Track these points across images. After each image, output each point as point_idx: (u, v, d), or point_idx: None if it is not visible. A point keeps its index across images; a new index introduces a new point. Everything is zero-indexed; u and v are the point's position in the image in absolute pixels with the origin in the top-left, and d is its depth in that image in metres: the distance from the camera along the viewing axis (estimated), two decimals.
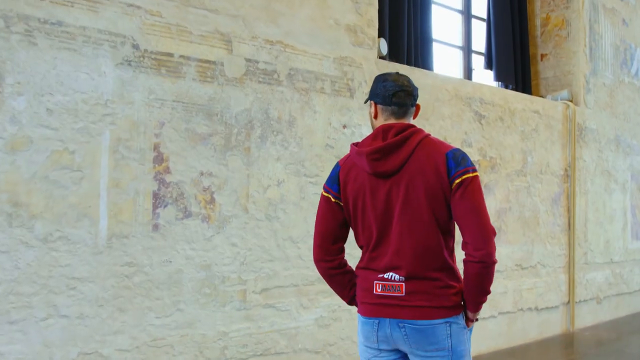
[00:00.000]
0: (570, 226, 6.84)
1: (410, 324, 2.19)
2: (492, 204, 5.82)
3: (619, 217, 7.75)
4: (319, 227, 2.38)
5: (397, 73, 2.40)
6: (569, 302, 6.80)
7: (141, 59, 3.64)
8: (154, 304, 3.64)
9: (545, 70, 7.43)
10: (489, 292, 2.28)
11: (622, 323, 7.54)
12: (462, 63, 6.63)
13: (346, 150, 4.58)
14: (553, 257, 6.61)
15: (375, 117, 2.37)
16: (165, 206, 3.70)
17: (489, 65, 6.84)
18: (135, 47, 3.61)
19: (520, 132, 6.21)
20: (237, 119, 4.02)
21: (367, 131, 4.74)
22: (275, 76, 4.23)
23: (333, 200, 2.33)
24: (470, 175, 2.18)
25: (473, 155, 5.65)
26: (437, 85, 5.37)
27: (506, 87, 6.79)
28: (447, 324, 2.20)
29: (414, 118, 2.44)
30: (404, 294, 2.20)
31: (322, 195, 2.37)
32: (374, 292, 2.24)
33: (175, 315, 3.72)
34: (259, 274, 4.11)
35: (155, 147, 3.68)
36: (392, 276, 2.21)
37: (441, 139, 5.45)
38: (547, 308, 6.50)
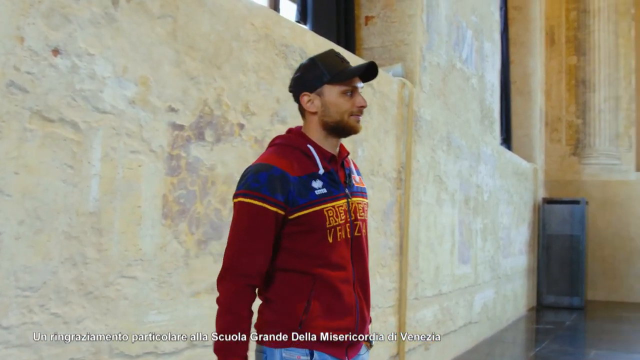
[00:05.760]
0: (402, 249, 5.11)
1: None
2: None
3: (447, 237, 6.24)
4: None
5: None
6: (397, 354, 5.05)
7: None
8: None
9: (370, 37, 5.67)
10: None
11: None
12: (268, 6, 4.61)
13: (57, 100, 2.29)
14: (383, 293, 4.81)
15: None
16: None
17: (302, 17, 4.91)
18: None
19: None
20: None
21: (105, 68, 2.50)
22: None
23: None
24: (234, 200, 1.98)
25: None
26: (238, 13, 3.26)
27: None
28: None
29: (304, 118, 2.08)
30: None
31: None
32: None
33: None
34: None
35: None
36: None
37: (240, 104, 3.28)
38: None
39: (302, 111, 2.07)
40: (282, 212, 1.91)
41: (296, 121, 3.64)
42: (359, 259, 2.02)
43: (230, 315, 1.87)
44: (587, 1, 11.52)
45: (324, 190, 1.95)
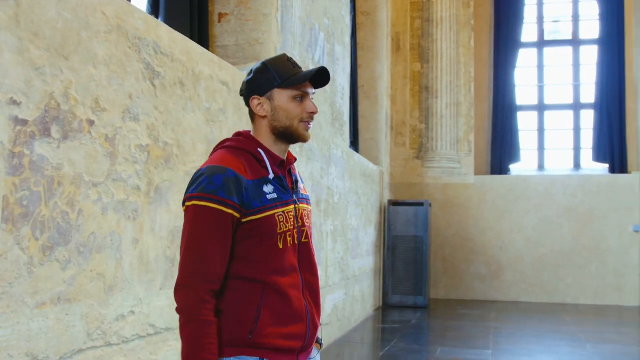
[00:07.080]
0: None
1: None
2: (165, 219, 3.71)
3: None
4: None
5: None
6: None
7: None
8: None
9: (224, 35, 5.60)
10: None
11: None
12: None
13: None
14: None
15: None
16: None
17: (154, 10, 4.74)
18: None
19: (205, 110, 4.23)
20: None
21: None
22: None
23: None
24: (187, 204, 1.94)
25: (141, 137, 3.47)
26: (88, 1, 3.08)
27: None
28: None
29: (253, 122, 2.12)
30: None
31: None
32: None
33: None
34: None
35: None
36: None
37: (90, 99, 3.08)
38: None
39: (252, 115, 2.10)
40: (237, 215, 1.92)
41: (150, 119, 3.52)
42: (307, 265, 2.07)
43: (196, 322, 1.84)
44: (431, 11, 12.10)
45: (275, 195, 1.99)
